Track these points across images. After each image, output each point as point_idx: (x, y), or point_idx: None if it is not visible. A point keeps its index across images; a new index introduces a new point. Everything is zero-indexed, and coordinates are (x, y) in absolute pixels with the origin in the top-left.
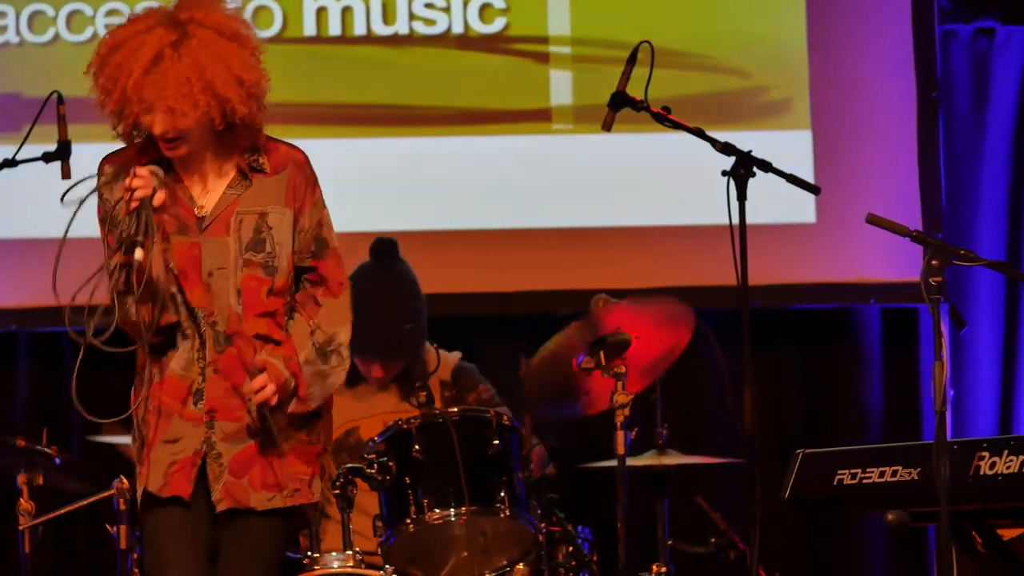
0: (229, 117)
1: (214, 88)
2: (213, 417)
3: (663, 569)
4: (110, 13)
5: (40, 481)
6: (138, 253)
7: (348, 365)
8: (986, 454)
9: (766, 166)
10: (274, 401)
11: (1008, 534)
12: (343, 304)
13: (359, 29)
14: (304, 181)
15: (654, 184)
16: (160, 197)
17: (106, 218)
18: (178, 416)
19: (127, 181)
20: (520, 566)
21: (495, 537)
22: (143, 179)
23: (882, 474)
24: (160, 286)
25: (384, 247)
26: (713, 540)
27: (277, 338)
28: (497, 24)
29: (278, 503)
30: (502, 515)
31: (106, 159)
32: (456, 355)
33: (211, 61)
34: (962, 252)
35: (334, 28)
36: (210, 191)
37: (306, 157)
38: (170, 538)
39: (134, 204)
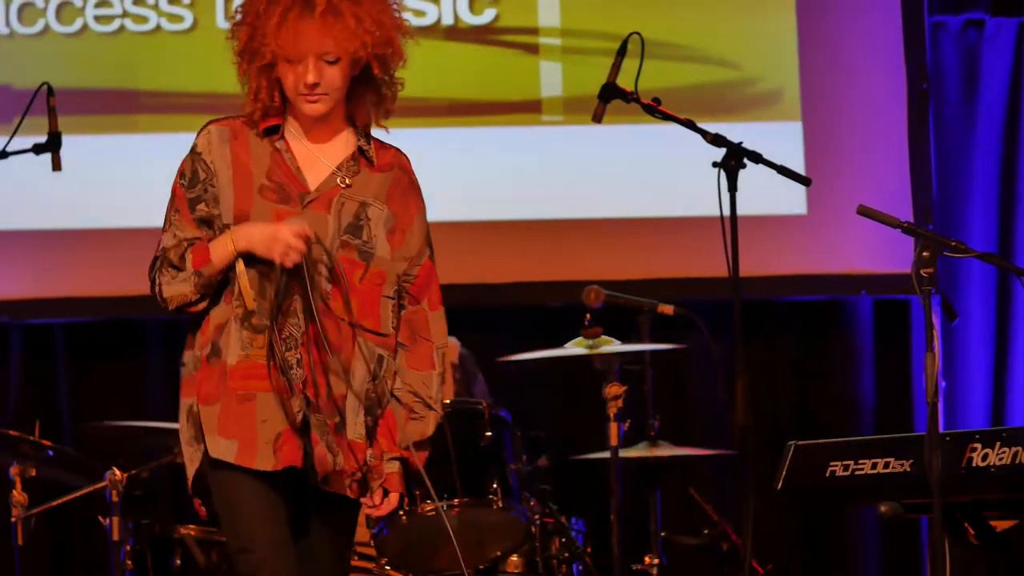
0: (382, 66)
1: (382, 25)
2: (307, 394)
3: (656, 560)
4: (100, 4)
5: (32, 473)
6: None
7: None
8: (978, 446)
9: (757, 157)
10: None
11: (1001, 525)
12: (438, 323)
13: None
14: (409, 186)
15: (645, 175)
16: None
17: (186, 174)
18: (272, 392)
19: (287, 237)
20: (513, 557)
21: (488, 529)
22: (299, 247)
23: (875, 465)
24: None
25: None
26: (706, 531)
27: (370, 327)
28: (487, 16)
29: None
30: (495, 507)
31: (213, 121)
32: (455, 340)
33: (374, 5)
34: (953, 243)
35: None
36: (319, 168)
37: (410, 164)
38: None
39: (289, 264)
